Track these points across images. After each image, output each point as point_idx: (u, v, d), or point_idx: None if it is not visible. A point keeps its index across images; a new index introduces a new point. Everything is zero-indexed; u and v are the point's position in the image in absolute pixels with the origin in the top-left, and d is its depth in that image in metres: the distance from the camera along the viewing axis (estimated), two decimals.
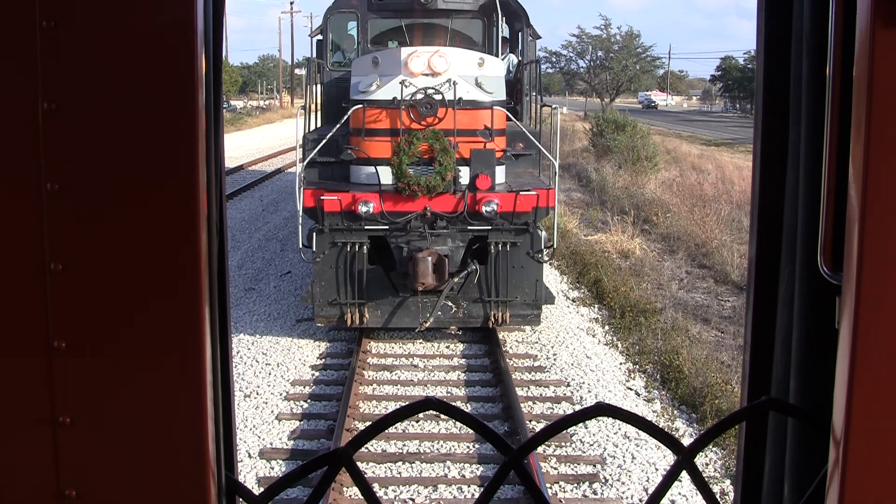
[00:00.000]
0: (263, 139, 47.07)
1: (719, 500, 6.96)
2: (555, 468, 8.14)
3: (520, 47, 14.04)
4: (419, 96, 10.73)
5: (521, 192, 10.72)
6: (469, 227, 10.78)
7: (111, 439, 1.32)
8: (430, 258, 10.35)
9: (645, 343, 11.89)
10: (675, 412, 9.71)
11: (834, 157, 1.42)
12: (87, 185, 1.28)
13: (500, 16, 13.19)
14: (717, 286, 15.56)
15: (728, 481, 7.97)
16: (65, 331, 1.30)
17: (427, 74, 10.79)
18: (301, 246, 11.22)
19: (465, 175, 10.84)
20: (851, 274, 1.28)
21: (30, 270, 1.29)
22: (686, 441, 8.72)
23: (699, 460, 7.93)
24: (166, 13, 1.27)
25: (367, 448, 8.24)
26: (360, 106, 10.94)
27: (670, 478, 1.47)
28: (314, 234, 10.89)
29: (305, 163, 11.20)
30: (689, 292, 15.18)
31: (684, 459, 1.46)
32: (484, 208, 10.65)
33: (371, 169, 10.92)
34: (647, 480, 7.95)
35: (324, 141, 11.05)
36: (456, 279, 10.86)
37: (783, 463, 1.57)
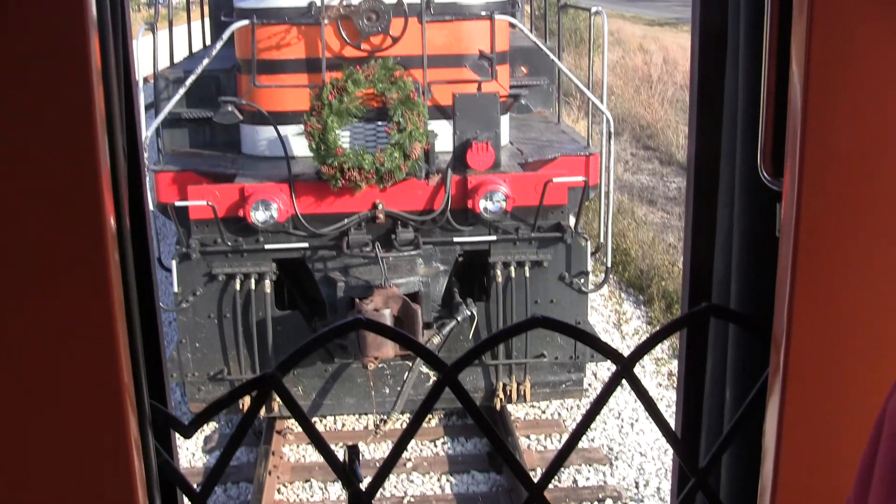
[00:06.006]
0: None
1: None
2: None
3: None
4: (356, 0, 6.33)
5: (549, 172, 6.51)
6: (457, 240, 6.37)
7: (10, 359, 1.24)
8: (387, 310, 5.87)
9: (591, 227, 11.97)
10: (623, 295, 9.89)
11: (774, 58, 1.36)
12: None
13: None
14: (662, 167, 15.68)
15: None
16: None
17: None
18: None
19: (444, 141, 6.41)
20: (793, 180, 1.25)
21: None
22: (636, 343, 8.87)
23: (649, 367, 8.03)
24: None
25: None
26: (248, 21, 6.42)
27: (610, 387, 1.47)
28: (175, 259, 6.30)
29: (158, 121, 6.54)
30: (635, 174, 15.27)
31: (623, 369, 1.45)
32: (482, 203, 6.18)
33: (272, 133, 6.40)
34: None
35: (189, 79, 6.40)
36: (437, 338, 6.37)
37: (725, 368, 1.57)
